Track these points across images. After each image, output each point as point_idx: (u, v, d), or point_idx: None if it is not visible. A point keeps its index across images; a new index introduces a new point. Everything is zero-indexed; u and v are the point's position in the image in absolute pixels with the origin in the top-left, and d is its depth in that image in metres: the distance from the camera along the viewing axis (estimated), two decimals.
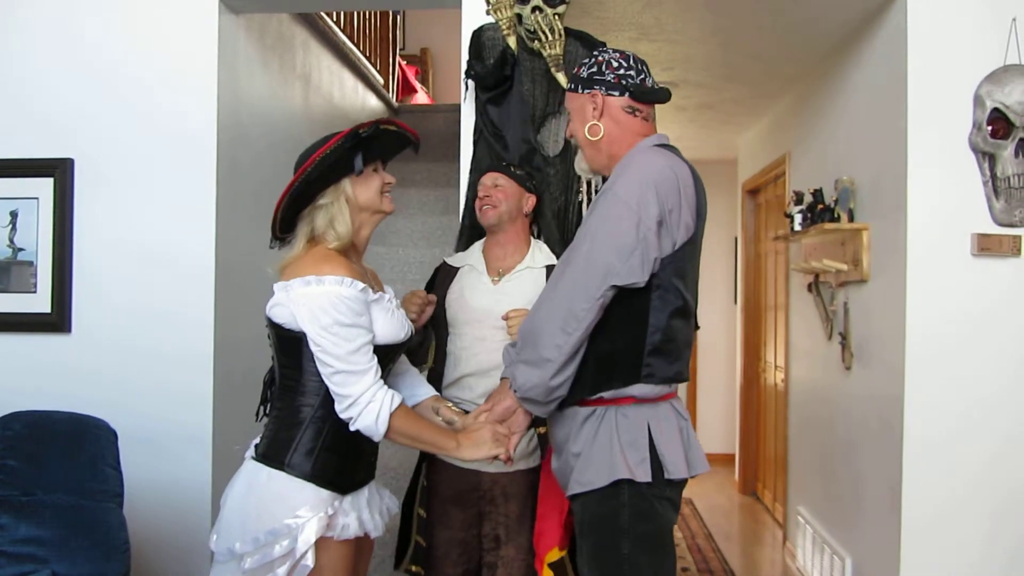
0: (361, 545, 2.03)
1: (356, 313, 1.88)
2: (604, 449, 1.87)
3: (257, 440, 2.02)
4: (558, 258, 2.55)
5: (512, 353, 2.01)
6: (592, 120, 1.98)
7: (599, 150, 2.00)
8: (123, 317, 3.02)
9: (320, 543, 1.89)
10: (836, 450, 3.76)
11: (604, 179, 2.08)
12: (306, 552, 1.86)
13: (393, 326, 2.00)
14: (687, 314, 1.93)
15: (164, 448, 2.98)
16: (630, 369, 1.87)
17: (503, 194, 2.49)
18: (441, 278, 2.57)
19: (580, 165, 2.09)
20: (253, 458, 1.98)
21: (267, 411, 2.06)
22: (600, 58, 2.00)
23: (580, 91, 2.01)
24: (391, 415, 1.88)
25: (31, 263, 3.04)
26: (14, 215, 3.04)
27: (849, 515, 3.55)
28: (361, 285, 1.91)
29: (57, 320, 3.02)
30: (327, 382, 1.88)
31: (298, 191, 1.93)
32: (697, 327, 2.01)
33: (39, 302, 3.03)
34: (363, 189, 1.99)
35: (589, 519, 1.91)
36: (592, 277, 1.81)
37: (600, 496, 1.86)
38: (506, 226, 2.50)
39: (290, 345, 1.91)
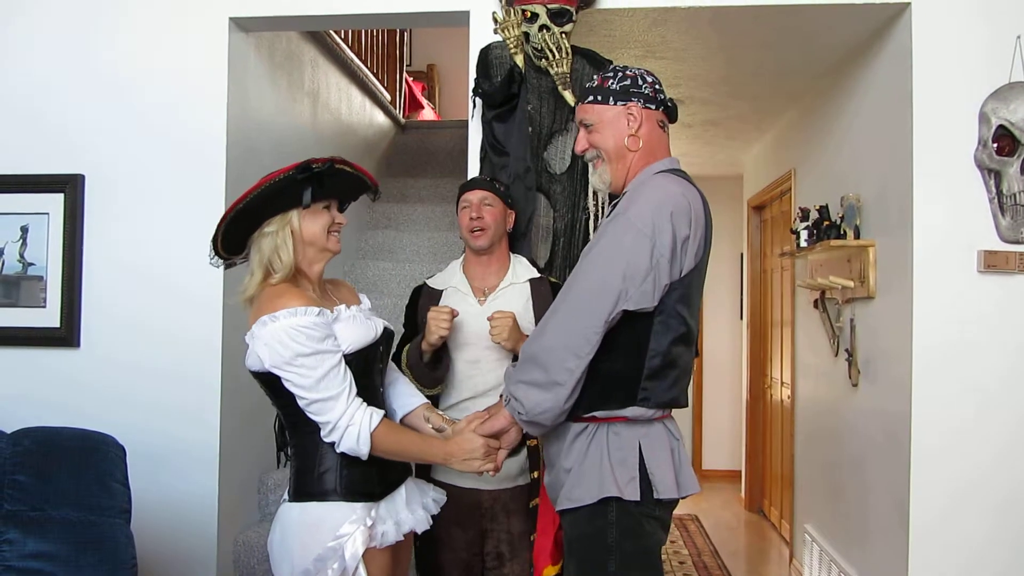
0: (398, 546, 2.03)
1: (316, 339, 1.87)
2: (594, 466, 1.87)
3: (289, 487, 2.04)
4: (540, 271, 2.58)
5: (512, 371, 2.00)
6: (631, 131, 1.96)
7: (626, 164, 1.98)
8: (131, 332, 3.04)
9: (365, 554, 1.91)
10: (843, 467, 3.75)
11: (611, 198, 2.08)
12: (357, 567, 1.89)
13: (359, 333, 2.00)
14: (689, 341, 1.92)
15: (170, 464, 2.99)
16: (627, 391, 1.87)
17: (491, 215, 2.48)
18: (424, 301, 2.54)
19: (604, 178, 2.03)
20: (285, 501, 2.01)
21: (288, 456, 2.08)
22: (631, 72, 1.99)
23: (613, 103, 1.97)
24: (372, 434, 1.89)
25: (41, 278, 3.06)
26: (25, 230, 3.07)
27: (856, 532, 3.53)
28: (317, 310, 1.91)
29: (66, 335, 3.03)
30: (308, 414, 1.90)
31: (240, 212, 1.93)
32: (697, 354, 1.99)
33: (48, 317, 3.05)
34: (309, 224, 1.99)
35: (577, 536, 1.91)
36: (604, 301, 1.80)
37: (588, 513, 1.86)
38: (494, 248, 2.51)
39: (277, 386, 1.92)
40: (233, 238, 2.00)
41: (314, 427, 1.93)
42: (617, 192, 2.03)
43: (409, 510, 2.04)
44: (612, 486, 1.84)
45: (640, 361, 1.86)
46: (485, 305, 2.46)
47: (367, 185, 2.11)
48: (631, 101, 1.96)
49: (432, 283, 2.58)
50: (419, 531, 2.06)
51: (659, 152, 1.99)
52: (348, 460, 1.94)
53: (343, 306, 2.04)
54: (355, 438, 1.88)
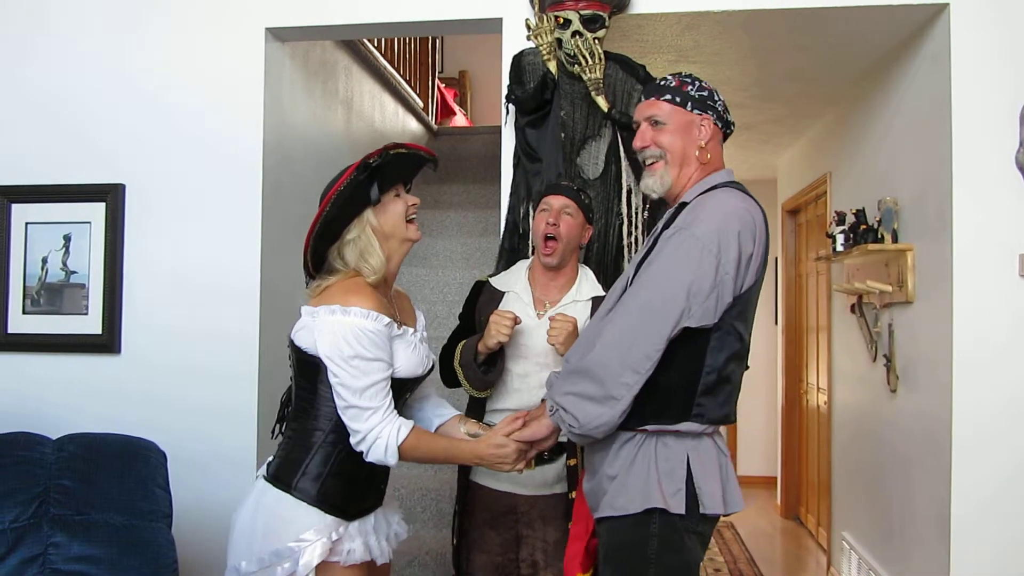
0: (374, 571, 2.03)
1: (377, 347, 1.88)
2: (640, 476, 1.84)
3: (270, 459, 2.03)
4: (603, 286, 2.51)
5: (557, 381, 1.98)
6: (701, 142, 1.96)
7: (689, 172, 1.96)
8: (171, 338, 3.09)
9: (325, 568, 1.90)
10: (882, 473, 3.69)
11: (654, 204, 2.06)
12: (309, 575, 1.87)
13: (413, 361, 2.01)
14: (742, 357, 1.90)
15: (208, 468, 3.03)
16: (682, 406, 1.84)
17: (567, 226, 2.38)
18: (485, 300, 2.48)
19: (664, 180, 1.97)
20: (264, 477, 1.99)
21: (283, 429, 2.08)
22: (707, 86, 1.99)
23: (691, 110, 1.96)
24: (399, 446, 1.89)
25: (83, 285, 3.12)
26: (67, 239, 3.13)
27: (896, 541, 3.48)
28: (386, 320, 1.91)
29: (107, 341, 3.09)
30: (340, 414, 1.90)
31: (321, 231, 1.93)
32: (747, 367, 1.97)
33: (90, 323, 3.11)
34: (387, 217, 1.98)
35: (616, 545, 1.89)
36: (667, 317, 1.78)
37: (630, 523, 1.84)
38: (564, 264, 2.42)
39: (308, 369, 1.93)
40: (319, 255, 1.99)
41: (323, 423, 1.93)
42: (670, 199, 2.01)
43: (376, 537, 2.03)
44: (658, 497, 1.81)
45: (696, 376, 1.84)
46: (542, 319, 2.39)
47: (423, 158, 2.06)
48: (707, 113, 1.96)
49: (495, 282, 2.52)
50: (379, 563, 2.03)
51: (712, 170, 1.99)
52: (337, 471, 1.94)
53: (410, 329, 2.04)
54: (383, 450, 1.88)
